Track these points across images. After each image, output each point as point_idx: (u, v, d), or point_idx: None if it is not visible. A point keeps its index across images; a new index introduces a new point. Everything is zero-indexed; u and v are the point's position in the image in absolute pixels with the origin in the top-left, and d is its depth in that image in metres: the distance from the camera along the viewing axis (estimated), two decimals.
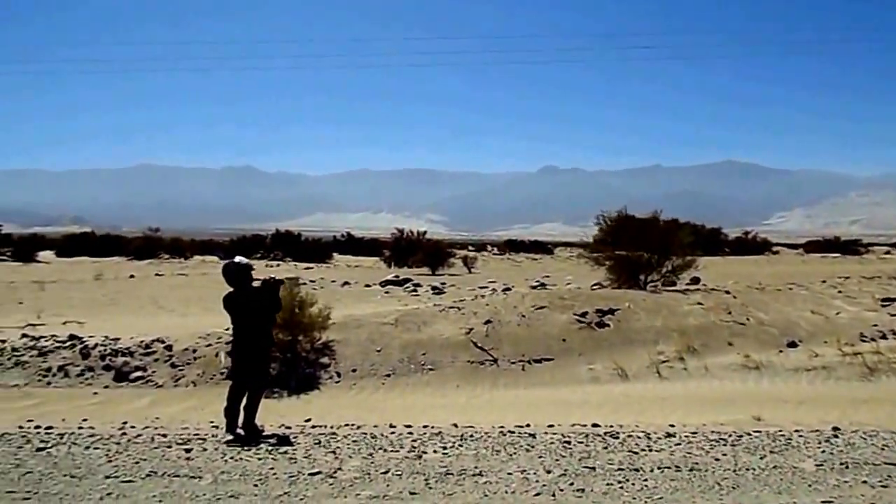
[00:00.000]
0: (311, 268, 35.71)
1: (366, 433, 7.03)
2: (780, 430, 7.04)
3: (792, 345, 11.85)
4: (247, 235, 55.93)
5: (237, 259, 7.57)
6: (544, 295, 15.38)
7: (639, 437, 6.76)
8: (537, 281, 24.77)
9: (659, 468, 5.72)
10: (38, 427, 7.47)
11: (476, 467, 5.76)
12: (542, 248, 71.02)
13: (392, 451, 6.31)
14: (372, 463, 5.93)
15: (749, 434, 6.88)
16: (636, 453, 6.20)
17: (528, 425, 7.39)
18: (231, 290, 7.30)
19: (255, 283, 7.50)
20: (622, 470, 5.68)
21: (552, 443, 6.54)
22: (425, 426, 7.35)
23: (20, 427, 7.49)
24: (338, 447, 6.43)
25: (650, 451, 6.27)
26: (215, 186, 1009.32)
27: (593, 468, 5.73)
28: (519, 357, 11.60)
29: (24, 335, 12.30)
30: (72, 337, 11.84)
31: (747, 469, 5.69)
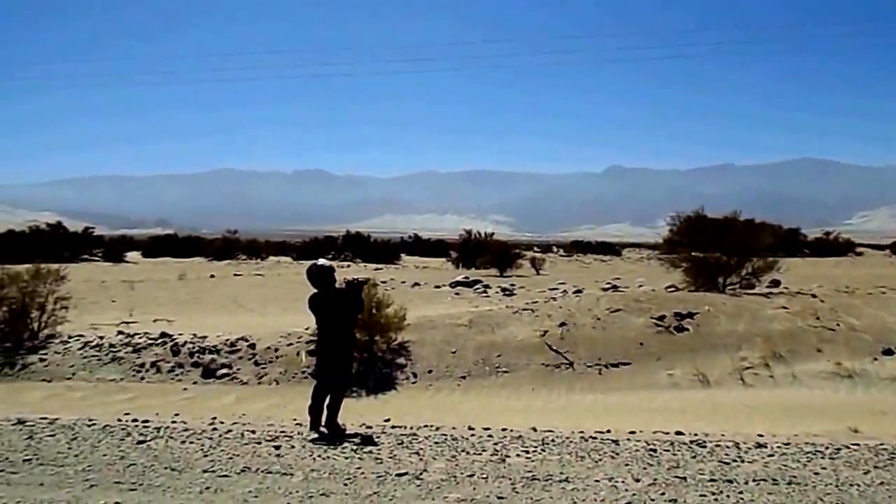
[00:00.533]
0: (381, 269, 36.23)
1: (446, 435, 7.04)
2: (882, 444, 6.66)
3: (888, 352, 11.23)
4: (318, 237, 57.35)
5: (320, 262, 7.73)
6: (618, 297, 15.10)
7: (728, 447, 6.53)
8: (608, 283, 24.32)
9: (754, 480, 5.50)
10: (135, 420, 7.84)
11: (562, 473, 5.69)
12: (609, 249, 69.87)
13: (475, 453, 6.31)
14: (456, 465, 5.94)
15: (847, 447, 6.53)
16: (727, 464, 5.99)
17: (608, 431, 7.26)
18: (315, 291, 7.49)
19: (339, 285, 7.66)
20: (714, 481, 5.49)
21: (637, 450, 6.40)
22: (504, 429, 7.31)
23: (119, 420, 7.88)
24: (421, 448, 6.47)
25: (742, 461, 6.05)
26: (287, 189, 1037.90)
27: (683, 478, 5.57)
28: (595, 361, 11.43)
29: (119, 332, 12.99)
30: (163, 335, 12.42)
31: (851, 485, 5.40)
